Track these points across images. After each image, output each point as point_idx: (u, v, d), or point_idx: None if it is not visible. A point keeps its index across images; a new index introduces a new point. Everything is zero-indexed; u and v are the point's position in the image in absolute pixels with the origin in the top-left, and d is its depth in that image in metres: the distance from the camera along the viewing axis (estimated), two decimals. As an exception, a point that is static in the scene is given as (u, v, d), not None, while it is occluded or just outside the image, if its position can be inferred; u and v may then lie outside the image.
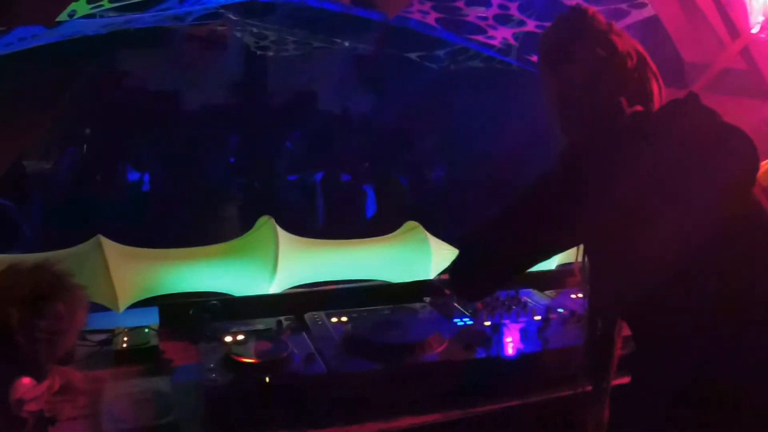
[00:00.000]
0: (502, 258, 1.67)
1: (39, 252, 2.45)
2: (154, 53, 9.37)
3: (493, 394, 1.92)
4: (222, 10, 8.02)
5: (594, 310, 1.73)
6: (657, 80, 1.70)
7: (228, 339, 1.97)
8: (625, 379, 1.67)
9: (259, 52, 10.51)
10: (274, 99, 11.00)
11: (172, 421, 1.73)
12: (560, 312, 2.27)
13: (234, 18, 8.66)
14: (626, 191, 1.52)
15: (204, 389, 1.72)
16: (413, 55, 9.27)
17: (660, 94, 1.70)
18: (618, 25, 1.74)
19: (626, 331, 1.66)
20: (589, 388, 1.75)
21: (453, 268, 1.77)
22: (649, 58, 1.70)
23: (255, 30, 9.67)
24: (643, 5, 4.15)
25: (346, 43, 9.73)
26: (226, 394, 1.71)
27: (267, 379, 1.73)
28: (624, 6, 4.20)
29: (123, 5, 4.66)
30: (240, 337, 1.98)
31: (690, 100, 1.63)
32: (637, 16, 4.19)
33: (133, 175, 7.79)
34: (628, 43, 1.69)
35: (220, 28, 9.65)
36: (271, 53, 10.60)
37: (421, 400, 1.85)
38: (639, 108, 1.63)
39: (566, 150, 1.63)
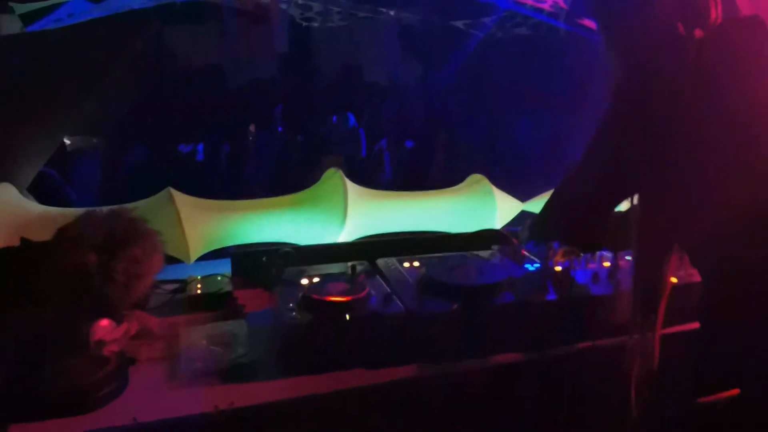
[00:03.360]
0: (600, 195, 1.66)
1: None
2: (199, 28, 9.41)
3: (567, 335, 1.91)
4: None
5: (644, 247, 1.71)
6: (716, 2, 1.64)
7: (304, 282, 1.98)
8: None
9: (304, 24, 10.52)
10: (321, 71, 10.99)
11: (247, 362, 1.76)
12: (627, 258, 2.25)
13: None
14: (690, 128, 1.49)
15: (285, 327, 1.74)
16: (460, 23, 9.20)
17: (717, 9, 1.64)
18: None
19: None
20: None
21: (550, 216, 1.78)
22: None
23: (300, 1, 9.68)
24: None
25: (392, 12, 9.69)
26: (306, 332, 1.73)
27: (347, 317, 1.75)
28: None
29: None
30: (316, 279, 1.99)
31: (756, 24, 1.57)
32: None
33: (186, 147, 7.90)
34: None
35: (265, 0, 9.65)
36: (316, 24, 10.61)
37: (497, 341, 1.85)
38: (699, 33, 1.58)
39: (625, 82, 1.60)
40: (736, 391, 1.60)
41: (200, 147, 8.01)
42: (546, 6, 5.89)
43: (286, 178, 7.72)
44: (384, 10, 9.67)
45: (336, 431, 1.70)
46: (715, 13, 1.61)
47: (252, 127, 9.56)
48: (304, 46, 10.98)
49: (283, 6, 9.89)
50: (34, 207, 2.59)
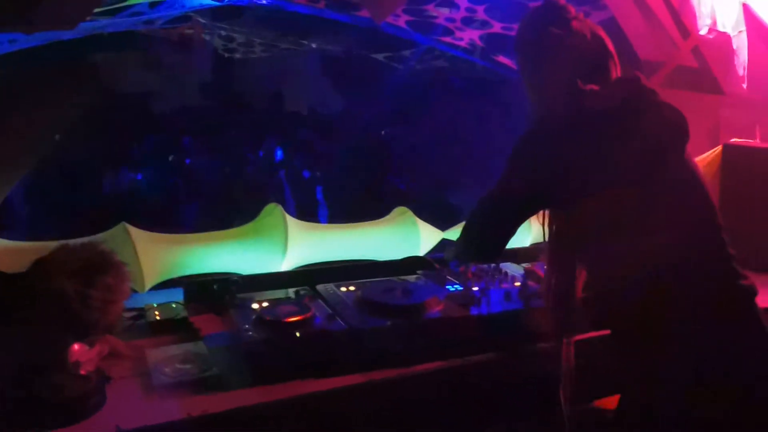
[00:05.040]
0: (500, 222, 2.01)
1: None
2: (125, 57, 9.50)
3: (485, 345, 2.24)
4: (192, 14, 8.15)
5: (553, 263, 2.09)
6: (614, 63, 2.04)
7: (255, 306, 2.26)
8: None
9: (227, 55, 10.71)
10: (241, 101, 11.20)
11: (214, 374, 2.03)
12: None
13: (203, 21, 8.82)
14: (578, 161, 1.87)
15: (243, 345, 2.02)
16: (380, 56, 9.55)
17: (617, 74, 2.04)
18: (582, 14, 2.09)
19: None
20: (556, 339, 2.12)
21: (465, 239, 2.11)
22: (609, 44, 2.04)
23: (223, 33, 9.87)
24: (604, 7, 4.51)
25: (314, 45, 9.96)
26: (263, 349, 2.01)
27: (297, 335, 2.04)
28: (587, 8, 4.56)
29: (97, 11, 4.86)
30: (265, 303, 2.28)
31: (634, 80, 1.97)
32: (597, 17, 4.55)
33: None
34: (587, 29, 2.03)
35: (188, 31, 9.80)
36: (238, 55, 10.81)
37: (426, 351, 2.16)
38: (594, 87, 1.96)
39: (531, 127, 1.98)
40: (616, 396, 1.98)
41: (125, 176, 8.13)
42: (463, 43, 6.29)
43: (209, 209, 7.90)
44: (306, 42, 9.93)
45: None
46: (615, 73, 2.01)
47: (170, 157, 9.73)
48: (226, 76, 11.19)
49: (207, 37, 10.04)
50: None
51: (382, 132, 9.41)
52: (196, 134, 10.10)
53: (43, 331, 2.00)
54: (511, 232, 2.04)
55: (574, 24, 2.02)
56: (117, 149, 7.69)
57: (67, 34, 6.74)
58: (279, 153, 9.96)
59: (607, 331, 2.03)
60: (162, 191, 7.31)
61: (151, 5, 5.77)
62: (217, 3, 6.15)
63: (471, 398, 2.20)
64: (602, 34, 2.05)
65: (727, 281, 1.85)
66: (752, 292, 1.85)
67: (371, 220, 3.17)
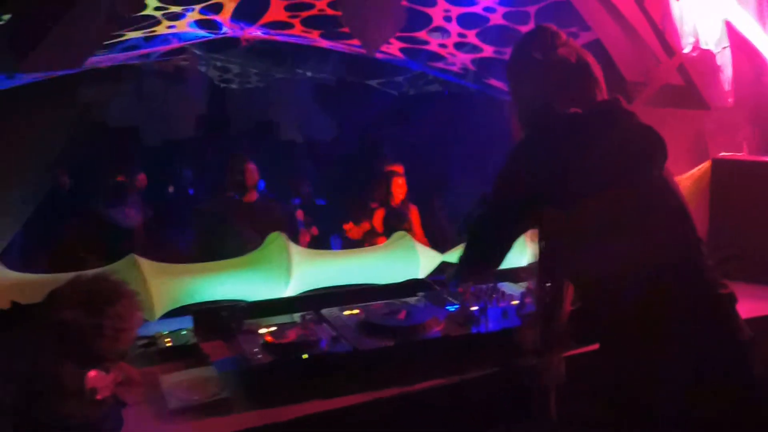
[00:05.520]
0: (494, 237, 2.12)
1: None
2: (120, 89, 9.59)
3: (484, 361, 2.34)
4: (187, 45, 8.25)
5: (544, 275, 2.19)
6: (599, 87, 2.16)
7: (262, 331, 2.36)
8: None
9: (223, 85, 10.83)
10: (239, 130, 11.33)
11: (225, 397, 2.12)
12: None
13: (198, 53, 8.93)
14: (558, 179, 1.98)
15: (253, 368, 2.11)
16: (374, 82, 9.67)
17: (602, 97, 2.16)
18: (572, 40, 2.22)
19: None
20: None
21: (465, 255, 2.21)
22: (594, 68, 2.16)
23: (219, 64, 9.99)
24: (589, 28, 4.64)
25: (308, 73, 10.09)
26: (271, 371, 2.11)
27: (305, 356, 2.14)
28: (575, 29, 4.67)
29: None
30: (272, 328, 2.37)
31: (614, 102, 2.09)
32: (586, 38, 4.67)
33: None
34: (574, 55, 2.15)
35: (184, 63, 9.91)
36: (234, 86, 10.93)
37: (428, 369, 2.26)
38: (577, 110, 2.08)
39: (515, 147, 2.10)
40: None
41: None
42: (455, 68, 6.43)
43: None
44: (300, 71, 10.05)
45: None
46: (600, 96, 2.13)
47: (171, 188, 9.82)
48: (223, 107, 11.31)
49: (203, 68, 10.13)
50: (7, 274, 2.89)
51: (377, 157, 9.52)
52: (194, 165, 10.21)
53: (58, 360, 2.08)
54: (512, 234, 2.14)
55: (561, 51, 2.14)
56: (113, 185, 7.75)
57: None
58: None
59: (595, 346, 2.12)
60: (166, 223, 7.38)
61: (147, 39, 5.88)
62: (212, 35, 6.26)
63: (470, 413, 2.29)
64: (589, 59, 2.17)
65: (708, 289, 1.96)
66: (732, 300, 1.96)
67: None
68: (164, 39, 6.12)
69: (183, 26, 5.35)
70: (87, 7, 3.38)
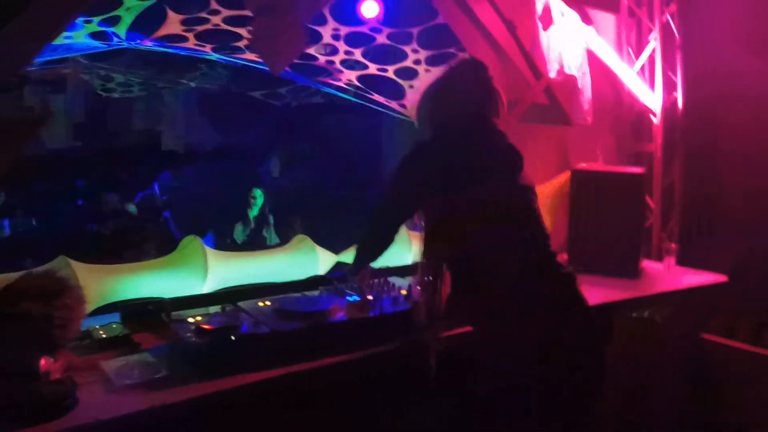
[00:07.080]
0: (387, 221, 2.69)
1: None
2: (-1, 97, 9.44)
3: (382, 339, 2.82)
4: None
5: (427, 257, 2.71)
6: (495, 110, 2.71)
7: (191, 320, 2.75)
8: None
9: (104, 95, 10.78)
10: (118, 140, 11.31)
11: (165, 375, 2.51)
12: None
13: (82, 61, 8.87)
14: (445, 177, 2.53)
15: (189, 348, 2.52)
16: (257, 94, 9.92)
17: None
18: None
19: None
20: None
21: (364, 238, 2.78)
22: (497, 95, 2.72)
23: (102, 73, 9.94)
24: (465, 50, 5.15)
25: (192, 84, 10.22)
26: (204, 350, 2.52)
27: (232, 338, 2.56)
28: (454, 50, 5.17)
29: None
30: (199, 317, 2.77)
31: (490, 122, 2.67)
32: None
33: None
34: (489, 83, 2.72)
35: (66, 71, 9.83)
36: (116, 95, 10.90)
37: (334, 346, 2.72)
38: (464, 126, 2.64)
39: (410, 150, 2.65)
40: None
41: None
42: (342, 84, 6.81)
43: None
44: (184, 81, 10.13)
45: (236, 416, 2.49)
46: (492, 116, 2.69)
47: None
48: (103, 116, 11.25)
49: (86, 77, 10.03)
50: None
51: (259, 167, 9.88)
52: (78, 175, 10.22)
53: (16, 348, 2.40)
54: (402, 218, 2.70)
55: (482, 79, 2.72)
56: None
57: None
58: (157, 191, 10.24)
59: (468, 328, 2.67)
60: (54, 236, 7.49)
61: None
62: (105, 46, 6.38)
63: (371, 382, 2.77)
64: (498, 88, 2.73)
65: (553, 271, 2.55)
66: (573, 277, 2.55)
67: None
68: (54, 48, 6.18)
69: (80, 37, 5.47)
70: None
